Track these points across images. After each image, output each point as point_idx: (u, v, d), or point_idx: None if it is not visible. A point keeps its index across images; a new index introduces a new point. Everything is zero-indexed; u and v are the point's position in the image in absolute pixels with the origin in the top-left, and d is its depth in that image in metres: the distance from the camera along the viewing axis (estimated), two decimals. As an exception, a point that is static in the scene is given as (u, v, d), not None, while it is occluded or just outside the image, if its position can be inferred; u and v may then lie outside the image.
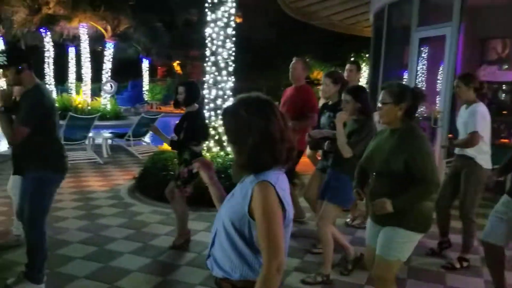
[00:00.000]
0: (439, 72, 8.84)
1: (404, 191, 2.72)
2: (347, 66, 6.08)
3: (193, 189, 5.99)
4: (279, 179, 1.74)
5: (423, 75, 9.45)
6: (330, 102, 4.72)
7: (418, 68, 9.34)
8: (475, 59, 8.73)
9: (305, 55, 24.43)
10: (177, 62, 31.05)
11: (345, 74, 5.88)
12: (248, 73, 20.92)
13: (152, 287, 3.79)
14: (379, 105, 2.89)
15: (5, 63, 3.37)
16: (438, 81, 8.98)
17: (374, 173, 2.94)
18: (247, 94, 1.82)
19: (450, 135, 7.99)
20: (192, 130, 4.53)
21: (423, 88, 9.45)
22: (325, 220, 3.91)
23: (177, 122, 4.69)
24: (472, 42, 8.41)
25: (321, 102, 6.24)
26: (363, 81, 20.00)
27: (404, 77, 10.29)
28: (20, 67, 3.40)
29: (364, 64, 19.65)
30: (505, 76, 8.02)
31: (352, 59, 20.12)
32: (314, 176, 4.75)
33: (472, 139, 4.23)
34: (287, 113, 5.26)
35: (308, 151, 5.87)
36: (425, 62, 9.35)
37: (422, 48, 9.33)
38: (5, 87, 3.71)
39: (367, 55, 18.68)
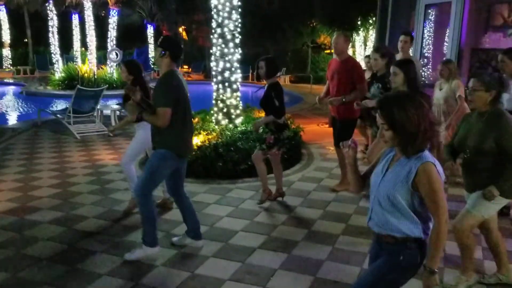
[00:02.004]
0: (445, 38, 8.78)
1: (497, 166, 3.16)
2: (401, 37, 6.23)
3: (204, 162, 6.17)
4: (433, 156, 2.23)
5: (429, 39, 9.39)
6: (379, 74, 5.17)
7: (424, 32, 9.29)
8: (481, 25, 8.62)
9: (311, 18, 24.24)
10: (183, 27, 30.72)
11: (399, 45, 6.19)
12: (256, 38, 20.72)
13: (167, 260, 3.96)
14: (470, 91, 3.31)
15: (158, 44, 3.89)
16: (445, 45, 8.93)
17: (468, 152, 3.31)
18: (403, 91, 2.35)
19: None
20: (281, 100, 4.99)
21: (429, 53, 9.42)
22: None
23: (264, 96, 5.08)
24: (478, 8, 8.29)
25: (367, 74, 6.47)
26: (370, 45, 19.82)
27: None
28: (163, 52, 3.80)
29: (371, 27, 19.41)
30: (510, 43, 7.93)
31: (359, 22, 19.93)
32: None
33: None
34: (338, 87, 5.57)
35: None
36: (432, 26, 9.28)
37: (429, 11, 9.25)
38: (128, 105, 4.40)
39: (374, 18, 18.42)
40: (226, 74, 7.09)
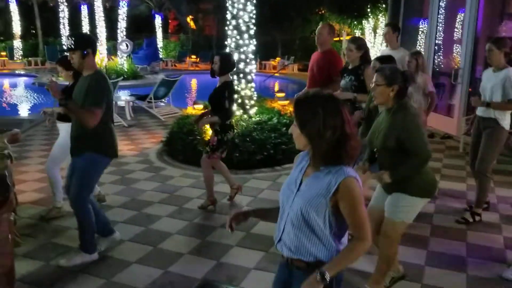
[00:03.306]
0: (458, 25, 8.80)
1: (401, 163, 3.02)
2: (385, 30, 6.15)
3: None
4: (353, 170, 1.97)
5: (442, 26, 9.40)
6: (351, 66, 4.96)
7: (438, 19, 9.30)
8: (496, 13, 8.62)
9: (320, 7, 24.15)
10: (190, 16, 30.70)
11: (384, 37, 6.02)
12: (264, 27, 20.66)
13: (193, 249, 4.11)
14: (372, 86, 3.15)
15: (72, 46, 3.58)
16: (457, 32, 8.94)
17: (375, 149, 3.25)
18: (318, 90, 2.01)
19: (469, 89, 8.08)
20: (230, 101, 4.83)
21: (442, 40, 9.44)
22: None
23: (213, 91, 4.91)
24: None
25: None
26: (380, 32, 19.73)
27: (422, 27, 10.26)
28: (85, 52, 3.61)
29: (381, 15, 19.30)
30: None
31: (368, 10, 19.82)
32: None
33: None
34: (314, 78, 5.40)
35: None
36: (444, 13, 9.28)
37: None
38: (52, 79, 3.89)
39: (384, 5, 18.31)
40: (241, 65, 7.18)
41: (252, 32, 7.18)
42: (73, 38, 3.61)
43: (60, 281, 3.56)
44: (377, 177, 3.16)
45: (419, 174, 3.10)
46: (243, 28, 7.09)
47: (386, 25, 6.45)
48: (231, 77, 5.00)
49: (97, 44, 18.03)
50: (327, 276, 1.88)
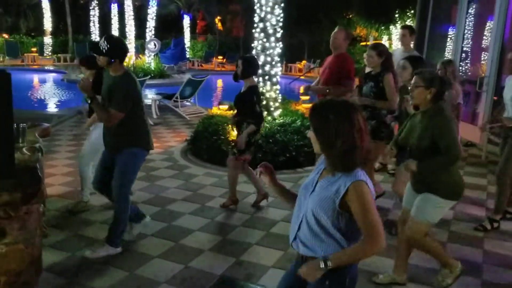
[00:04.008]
0: (486, 32, 8.68)
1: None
2: (401, 31, 6.19)
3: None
4: (365, 175, 2.02)
5: (470, 33, 9.30)
6: (373, 72, 5.01)
7: (466, 26, 9.21)
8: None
9: (348, 10, 24.06)
10: (218, 18, 30.93)
11: (399, 40, 6.04)
12: (291, 29, 20.70)
13: (213, 246, 4.19)
14: (411, 87, 3.30)
15: (104, 51, 3.71)
16: (484, 40, 8.83)
17: (410, 150, 3.36)
18: (333, 98, 2.09)
19: (495, 98, 7.97)
20: (260, 105, 4.91)
21: (469, 48, 9.34)
22: None
23: (240, 95, 4.96)
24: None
25: (368, 69, 6.45)
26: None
27: (450, 33, 10.17)
28: (112, 60, 3.75)
29: (410, 20, 19.14)
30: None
31: (396, 15, 19.67)
32: None
33: None
34: (326, 81, 5.47)
35: None
36: (472, 20, 9.18)
37: (471, 4, 9.16)
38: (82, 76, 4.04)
39: (412, 12, 18.16)
40: (267, 67, 7.24)
41: (278, 35, 7.23)
42: (106, 43, 3.72)
43: (85, 272, 3.68)
44: (404, 165, 3.30)
45: (449, 176, 3.23)
46: (270, 31, 7.15)
47: (404, 27, 6.45)
48: (256, 81, 5.01)
49: (127, 42, 18.53)
50: (329, 264, 1.96)
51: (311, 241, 2.08)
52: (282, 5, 7.17)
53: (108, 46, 3.71)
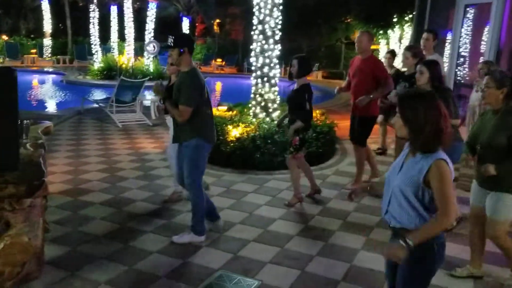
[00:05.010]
0: (483, 38, 8.81)
1: (504, 159, 3.30)
2: (424, 35, 6.31)
3: (242, 153, 6.47)
4: (445, 154, 2.31)
5: (466, 39, 9.42)
6: (407, 73, 5.32)
7: (462, 31, 9.32)
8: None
9: (347, 14, 24.21)
10: (217, 20, 31.06)
11: (422, 42, 6.18)
12: (291, 33, 20.80)
13: (211, 242, 4.26)
14: (483, 88, 3.47)
15: (172, 44, 4.02)
16: (482, 45, 8.95)
17: (479, 146, 3.48)
18: (418, 89, 2.45)
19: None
20: (310, 103, 5.08)
21: (466, 52, 9.46)
22: None
23: (293, 93, 5.17)
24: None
25: (389, 71, 6.65)
26: (405, 42, 19.72)
27: (447, 38, 10.29)
28: (182, 50, 4.01)
29: (407, 25, 19.31)
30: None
31: (394, 19, 19.83)
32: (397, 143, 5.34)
33: None
34: (359, 84, 5.67)
35: (379, 117, 6.37)
36: (470, 25, 9.31)
37: (468, 10, 9.27)
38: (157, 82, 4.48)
39: (409, 16, 18.31)
40: (265, 69, 7.34)
41: (277, 37, 7.33)
42: (173, 37, 4.05)
43: (85, 266, 3.75)
44: (482, 169, 3.37)
45: None
46: (269, 33, 7.25)
47: (428, 31, 6.55)
48: (308, 80, 5.18)
49: (126, 44, 18.59)
50: (410, 243, 2.22)
51: (399, 214, 2.37)
52: (281, 7, 7.27)
53: (174, 38, 4.04)
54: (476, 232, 3.67)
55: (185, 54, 4.04)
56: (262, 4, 7.17)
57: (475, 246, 3.73)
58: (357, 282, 3.65)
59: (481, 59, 8.96)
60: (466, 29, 9.37)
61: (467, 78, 9.58)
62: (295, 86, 5.16)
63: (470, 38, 9.43)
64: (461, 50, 9.52)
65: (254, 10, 7.30)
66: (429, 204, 2.30)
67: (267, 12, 7.18)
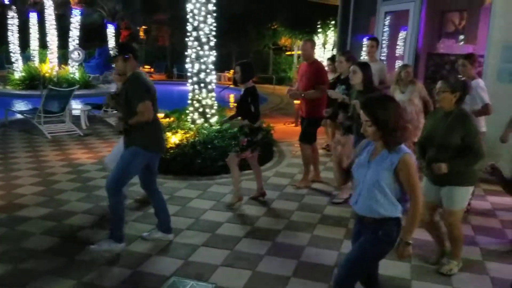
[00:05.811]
0: (400, 42, 9.39)
1: (457, 158, 3.62)
2: (368, 42, 6.78)
3: (183, 160, 6.46)
4: (408, 148, 2.67)
5: (387, 42, 10.00)
6: (343, 76, 5.74)
7: (383, 36, 9.90)
8: (435, 32, 9.26)
9: (273, 21, 24.70)
10: (143, 27, 30.53)
11: (366, 49, 6.82)
12: (222, 39, 20.92)
13: (161, 250, 4.24)
14: (437, 92, 3.75)
15: (116, 53, 4.11)
16: (400, 49, 9.54)
17: (433, 147, 3.75)
18: (376, 94, 2.91)
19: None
20: (256, 105, 5.27)
21: (386, 55, 10.05)
22: None
23: (240, 98, 5.32)
24: (433, 15, 8.92)
25: (330, 76, 6.98)
26: (329, 47, 20.51)
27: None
28: (127, 56, 4.09)
29: (330, 30, 20.11)
30: (462, 49, 8.62)
31: (318, 26, 20.55)
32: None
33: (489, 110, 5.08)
34: (305, 87, 6.00)
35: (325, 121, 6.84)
36: (388, 31, 9.89)
37: (387, 17, 9.85)
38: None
39: (332, 22, 19.07)
40: (202, 75, 7.38)
41: (212, 43, 7.40)
42: (116, 47, 4.23)
43: (31, 282, 3.61)
44: (435, 167, 3.63)
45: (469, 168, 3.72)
46: (204, 39, 7.31)
47: (372, 39, 6.92)
48: (252, 84, 5.36)
49: (49, 52, 17.78)
50: (409, 241, 2.65)
51: (367, 205, 2.69)
52: (215, 14, 7.35)
53: (118, 48, 4.18)
54: (432, 225, 4.03)
55: (130, 60, 4.10)
56: (196, 11, 7.21)
57: (438, 237, 4.08)
58: (306, 277, 3.81)
59: (397, 62, 9.57)
60: (384, 35, 9.95)
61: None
62: (242, 92, 5.33)
63: (388, 43, 10.01)
64: (381, 54, 10.09)
65: (188, 16, 7.32)
66: (399, 193, 2.67)
67: (201, 19, 7.23)
